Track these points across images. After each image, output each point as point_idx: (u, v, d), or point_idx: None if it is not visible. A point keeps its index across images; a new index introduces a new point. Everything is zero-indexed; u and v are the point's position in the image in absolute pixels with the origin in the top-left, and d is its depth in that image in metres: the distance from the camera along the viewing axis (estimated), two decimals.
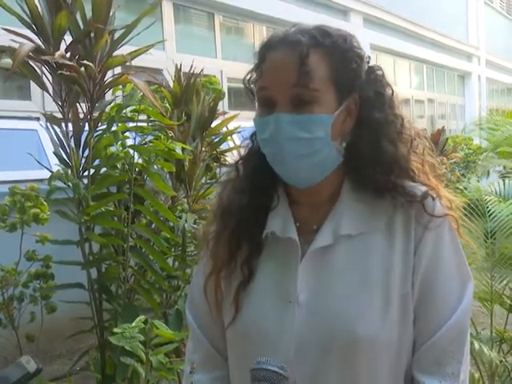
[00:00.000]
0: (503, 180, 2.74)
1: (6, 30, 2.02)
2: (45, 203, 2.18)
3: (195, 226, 2.50)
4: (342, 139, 0.88)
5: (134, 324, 1.64)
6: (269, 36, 0.88)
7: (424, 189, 0.89)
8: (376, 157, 0.87)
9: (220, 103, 3.06)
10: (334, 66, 0.84)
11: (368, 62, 0.90)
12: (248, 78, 0.91)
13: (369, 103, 0.88)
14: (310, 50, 0.82)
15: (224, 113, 3.19)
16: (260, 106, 0.88)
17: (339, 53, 0.85)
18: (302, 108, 0.83)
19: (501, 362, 2.23)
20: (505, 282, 2.37)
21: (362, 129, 0.88)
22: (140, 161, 2.26)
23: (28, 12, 2.01)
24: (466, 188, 2.73)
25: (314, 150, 0.85)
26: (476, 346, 2.01)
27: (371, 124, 0.87)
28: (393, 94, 0.91)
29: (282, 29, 0.88)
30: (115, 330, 1.68)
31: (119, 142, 2.23)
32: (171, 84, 2.87)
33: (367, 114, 0.87)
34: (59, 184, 2.12)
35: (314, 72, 0.82)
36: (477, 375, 2.27)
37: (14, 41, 1.97)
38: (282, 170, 0.88)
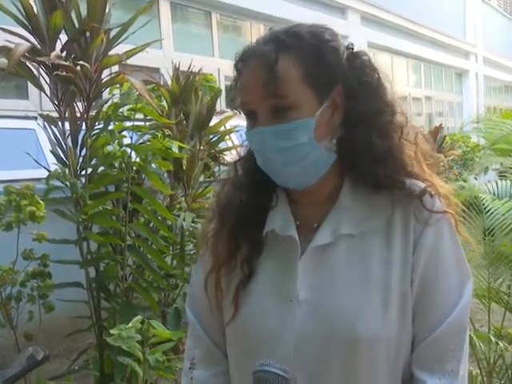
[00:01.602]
0: (496, 182, 2.76)
1: (1, 29, 2.02)
2: (40, 201, 2.17)
3: (193, 224, 2.51)
4: (332, 136, 0.86)
5: (130, 324, 1.64)
6: (242, 49, 0.88)
7: (422, 185, 0.88)
8: (368, 150, 0.86)
9: (217, 101, 3.05)
10: (305, 66, 0.82)
11: (351, 49, 0.87)
12: (232, 93, 0.90)
13: (354, 94, 0.85)
14: (278, 57, 0.81)
15: (222, 112, 3.19)
16: (246, 119, 0.88)
17: (309, 50, 0.83)
18: (282, 116, 0.82)
19: (498, 359, 2.24)
20: (502, 279, 2.37)
21: (351, 122, 0.86)
22: (137, 159, 2.26)
23: (23, 11, 2.01)
24: (462, 187, 2.74)
25: (302, 155, 0.84)
26: (474, 342, 2.02)
27: (359, 116, 0.85)
28: (380, 79, 0.88)
29: (256, 39, 0.87)
30: (112, 331, 1.68)
31: (116, 141, 2.23)
32: (169, 82, 2.87)
33: (354, 106, 0.85)
34: (57, 183, 2.13)
35: (285, 78, 0.81)
36: (474, 372, 2.28)
37: (10, 41, 1.97)
38: (277, 177, 0.88)
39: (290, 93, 0.81)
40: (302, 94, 0.82)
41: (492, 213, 2.38)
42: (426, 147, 0.93)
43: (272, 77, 0.80)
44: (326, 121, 0.85)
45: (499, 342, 2.04)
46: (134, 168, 2.30)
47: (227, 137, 3.03)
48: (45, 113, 2.19)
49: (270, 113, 0.83)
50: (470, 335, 0.93)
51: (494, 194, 2.66)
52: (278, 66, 0.80)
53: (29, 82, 2.34)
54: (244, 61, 0.86)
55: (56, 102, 2.12)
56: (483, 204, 2.43)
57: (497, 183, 2.75)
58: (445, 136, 6.75)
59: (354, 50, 0.88)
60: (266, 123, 0.83)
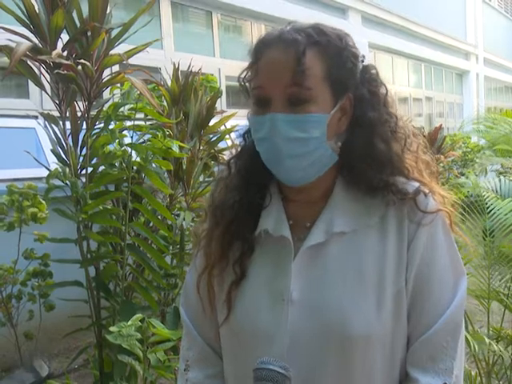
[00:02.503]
0: (499, 179, 2.73)
1: (2, 28, 2.02)
2: (43, 202, 2.17)
3: (193, 224, 2.51)
4: (337, 138, 0.88)
5: (130, 322, 1.64)
6: (264, 34, 0.87)
7: (416, 185, 0.89)
8: (369, 155, 0.87)
9: (218, 101, 3.05)
10: (329, 65, 0.84)
11: (363, 62, 0.90)
12: (243, 76, 0.90)
13: (363, 102, 0.87)
14: (306, 49, 0.82)
15: (222, 111, 3.19)
16: (255, 105, 0.87)
17: (335, 51, 0.85)
18: (298, 107, 0.82)
19: (497, 359, 2.24)
20: (502, 280, 2.37)
21: (356, 128, 0.88)
22: (138, 159, 2.26)
23: (25, 11, 2.01)
24: (463, 184, 2.73)
25: (310, 149, 0.84)
26: (472, 343, 2.01)
27: (365, 123, 0.87)
28: (387, 92, 0.91)
29: (278, 27, 0.87)
30: (112, 328, 1.68)
31: (117, 141, 2.23)
32: (169, 82, 2.87)
33: (361, 114, 0.87)
34: (57, 182, 2.13)
35: (310, 71, 0.82)
36: (473, 372, 2.28)
37: (11, 40, 1.97)
38: (277, 169, 0.88)
39: (312, 85, 0.82)
40: (321, 90, 0.83)
41: (494, 213, 2.36)
42: (426, 158, 0.95)
43: (300, 66, 0.81)
44: (335, 122, 0.86)
45: (492, 343, 2.03)
46: (135, 167, 2.30)
47: (227, 136, 3.04)
48: (45, 112, 2.20)
49: (286, 101, 0.82)
50: (467, 336, 0.93)
51: (497, 192, 2.63)
52: (305, 58, 0.81)
53: (30, 82, 2.34)
54: (268, 46, 0.84)
55: (57, 101, 2.13)
56: (486, 203, 2.41)
57: (500, 181, 2.71)
58: (445, 137, 6.76)
59: (365, 63, 0.90)
60: (281, 111, 0.82)
